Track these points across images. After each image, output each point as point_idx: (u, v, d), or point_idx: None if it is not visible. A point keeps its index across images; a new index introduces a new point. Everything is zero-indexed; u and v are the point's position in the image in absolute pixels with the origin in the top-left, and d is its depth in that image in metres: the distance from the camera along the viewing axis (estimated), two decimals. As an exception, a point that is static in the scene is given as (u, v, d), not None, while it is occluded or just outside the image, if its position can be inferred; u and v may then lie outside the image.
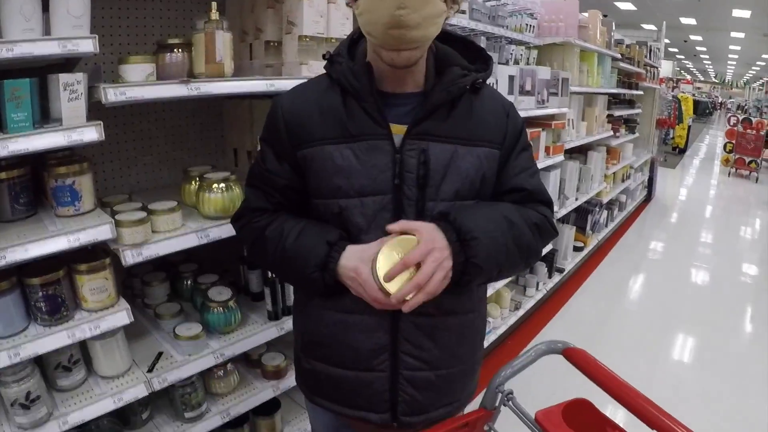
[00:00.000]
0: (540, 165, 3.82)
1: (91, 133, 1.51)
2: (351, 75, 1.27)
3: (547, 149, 3.95)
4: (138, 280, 2.27)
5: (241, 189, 1.87)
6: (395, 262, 1.15)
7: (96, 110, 1.58)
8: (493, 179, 1.37)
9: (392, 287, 1.14)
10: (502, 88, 3.22)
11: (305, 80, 1.47)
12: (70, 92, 1.48)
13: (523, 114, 3.39)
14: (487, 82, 1.41)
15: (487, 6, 3.26)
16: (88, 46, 1.47)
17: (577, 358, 1.43)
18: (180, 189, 2.09)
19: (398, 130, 1.27)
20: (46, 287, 1.59)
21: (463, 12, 2.99)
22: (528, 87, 3.48)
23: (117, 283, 1.76)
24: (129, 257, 1.65)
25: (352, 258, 1.23)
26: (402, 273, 1.15)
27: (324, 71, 1.37)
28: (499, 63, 3.37)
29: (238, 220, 1.46)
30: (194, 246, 1.83)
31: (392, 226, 1.20)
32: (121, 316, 1.70)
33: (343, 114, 1.28)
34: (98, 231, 1.59)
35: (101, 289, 1.68)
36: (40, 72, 1.54)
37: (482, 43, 3.21)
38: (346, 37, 1.38)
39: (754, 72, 34.51)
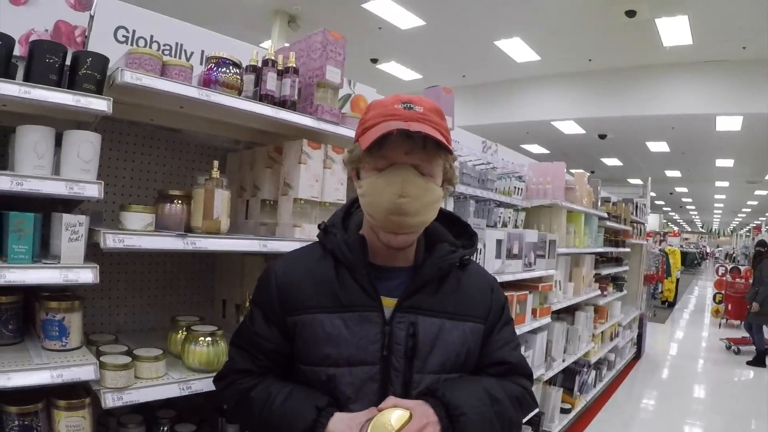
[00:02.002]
0: (527, 328, 3.83)
1: (87, 275, 1.55)
2: (345, 247, 1.33)
3: (533, 311, 3.95)
4: (114, 420, 2.18)
5: (227, 344, 1.86)
6: None
7: (92, 246, 1.62)
8: (477, 352, 1.40)
9: None
10: (490, 252, 3.29)
11: (297, 244, 1.53)
12: (71, 233, 1.54)
13: (510, 277, 3.48)
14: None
15: (476, 170, 3.42)
16: (93, 191, 1.55)
17: None
18: (166, 335, 2.08)
19: (388, 303, 1.31)
20: (23, 417, 1.56)
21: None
22: (515, 250, 3.55)
23: (94, 422, 1.71)
24: (109, 400, 1.63)
25: (340, 425, 1.22)
26: None
27: (317, 239, 1.43)
28: (487, 226, 3.47)
29: (221, 380, 1.45)
30: (175, 396, 1.80)
31: (384, 404, 1.21)
32: (95, 457, 1.64)
33: (335, 284, 1.32)
34: (82, 370, 1.58)
35: (78, 428, 1.64)
36: (40, 203, 1.61)
37: (471, 206, 3.32)
38: (339, 202, 1.44)
39: (740, 219, 35.58)
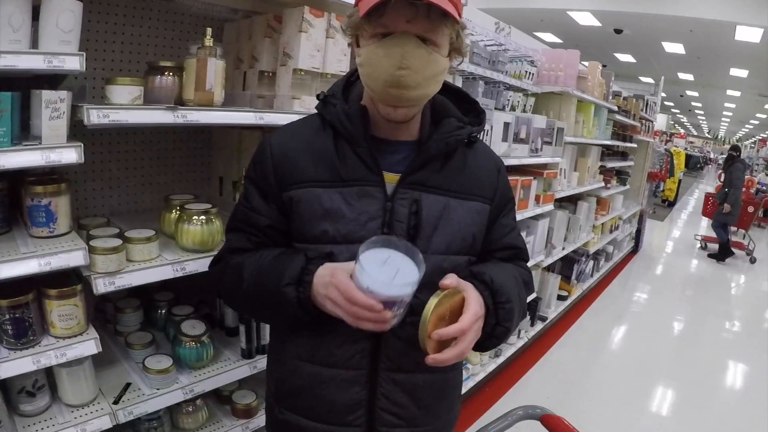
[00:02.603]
0: (529, 213, 3.84)
1: (71, 154, 1.47)
2: (345, 118, 1.24)
3: (537, 198, 3.95)
4: (111, 305, 2.20)
5: (222, 222, 1.81)
6: (442, 318, 1.09)
7: (81, 126, 1.53)
8: (483, 235, 1.35)
9: (430, 345, 1.09)
10: (497, 135, 3.21)
11: (296, 117, 1.44)
12: (52, 110, 1.44)
13: (515, 162, 3.44)
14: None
15: (487, 50, 3.27)
16: (74, 63, 1.43)
17: (555, 426, 1.39)
18: (160, 216, 2.03)
19: (390, 179, 1.24)
20: (13, 310, 1.53)
21: (463, 55, 2.99)
22: (522, 135, 3.48)
23: (87, 310, 1.69)
24: (101, 286, 1.60)
25: (328, 269, 1.15)
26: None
27: (316, 111, 1.33)
28: (495, 108, 3.36)
29: (216, 263, 1.38)
30: (171, 278, 1.78)
31: (446, 282, 1.13)
32: (89, 345, 1.63)
33: (334, 157, 1.24)
34: (71, 256, 1.53)
35: (70, 316, 1.62)
36: (26, 83, 1.50)
37: (480, 87, 3.20)
38: (342, 73, 1.34)
39: (747, 130, 35.17)
